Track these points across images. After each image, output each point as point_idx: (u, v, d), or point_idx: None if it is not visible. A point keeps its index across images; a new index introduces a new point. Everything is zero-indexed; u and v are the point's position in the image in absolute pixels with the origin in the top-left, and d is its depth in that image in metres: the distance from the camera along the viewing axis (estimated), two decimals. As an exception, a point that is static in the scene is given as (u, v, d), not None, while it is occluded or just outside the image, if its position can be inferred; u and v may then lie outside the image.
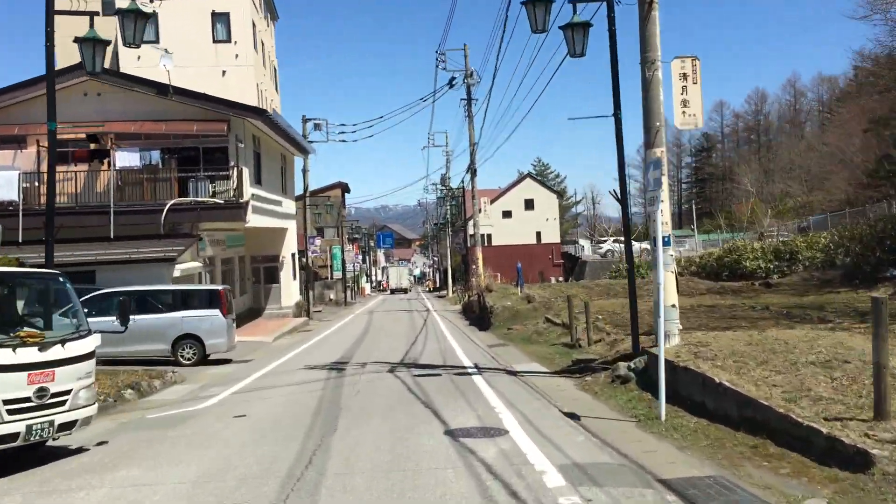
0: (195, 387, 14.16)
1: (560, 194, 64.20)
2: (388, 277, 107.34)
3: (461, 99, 39.40)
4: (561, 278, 62.09)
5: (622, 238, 53.90)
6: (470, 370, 14.21)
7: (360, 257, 72.51)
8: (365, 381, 13.28)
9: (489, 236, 62.42)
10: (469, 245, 61.45)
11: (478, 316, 29.55)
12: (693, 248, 54.95)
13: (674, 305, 11.73)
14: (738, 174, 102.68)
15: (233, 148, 24.42)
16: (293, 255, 35.23)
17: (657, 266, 10.40)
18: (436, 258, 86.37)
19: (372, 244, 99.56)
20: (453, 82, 37.96)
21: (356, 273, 72.18)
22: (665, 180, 11.98)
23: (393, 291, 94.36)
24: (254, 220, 25.96)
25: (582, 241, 73.61)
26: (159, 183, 24.28)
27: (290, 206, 34.44)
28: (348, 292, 64.17)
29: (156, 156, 24.17)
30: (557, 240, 62.64)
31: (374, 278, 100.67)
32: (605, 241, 63.40)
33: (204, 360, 18.11)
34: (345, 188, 56.42)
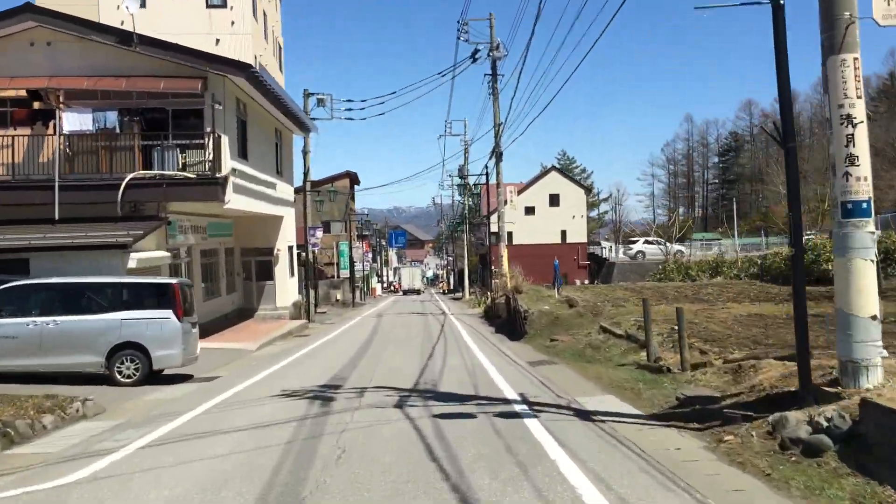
0: (108, 426, 9.50)
1: (588, 190, 59.38)
2: (400, 278, 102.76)
3: (485, 74, 34.80)
4: (586, 281, 57.22)
5: (655, 239, 48.57)
6: (517, 406, 9.49)
7: (371, 256, 67.95)
8: (358, 425, 8.58)
9: (510, 234, 57.67)
10: (491, 242, 56.70)
11: (506, 322, 24.83)
12: (726, 251, 49.87)
13: (874, 317, 7.01)
14: (770, 175, 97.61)
15: (209, 111, 19.80)
16: (290, 248, 30.62)
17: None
18: (451, 257, 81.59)
19: (384, 243, 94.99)
20: (476, 56, 33.31)
21: (366, 272, 67.59)
22: (861, 103, 7.21)
23: (405, 292, 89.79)
24: (237, 202, 21.34)
25: (604, 244, 68.75)
26: (118, 152, 19.70)
27: (286, 191, 29.85)
28: (357, 293, 59.56)
29: (113, 118, 19.59)
30: (584, 239, 57.82)
31: (385, 279, 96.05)
32: (636, 241, 58.49)
33: (151, 376, 13.49)
34: (353, 178, 51.83)
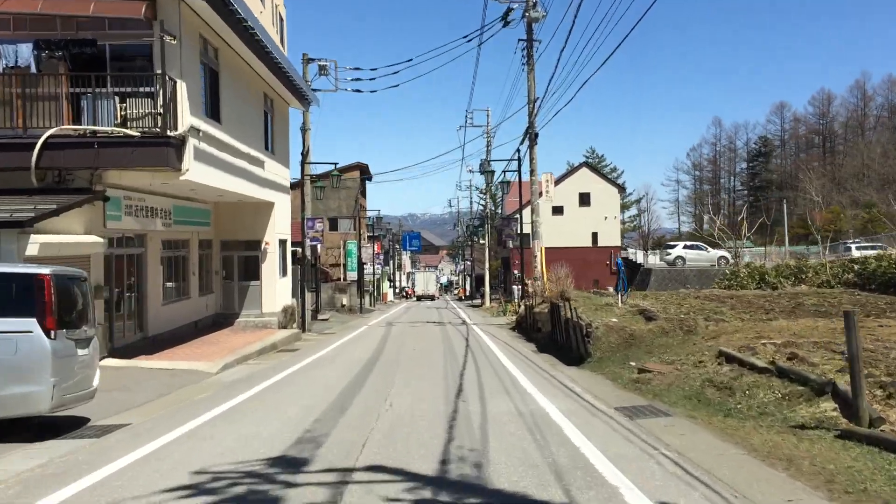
0: None
1: (622, 189, 53.83)
2: (413, 283, 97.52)
3: (519, 40, 29.36)
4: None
5: (696, 244, 42.85)
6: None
7: (382, 258, 62.70)
8: None
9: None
10: (516, 243, 51.20)
11: (550, 338, 19.42)
12: (762, 258, 44.01)
13: None
14: (804, 181, 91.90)
15: (158, 46, 14.51)
16: (283, 242, 25.30)
17: None
18: (468, 261, 76.17)
19: (397, 247, 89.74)
20: (509, 17, 27.94)
21: (377, 276, 62.32)
22: None
23: (419, 298, 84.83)
24: (202, 174, 16.03)
25: (631, 249, 63.13)
26: (38, 102, 14.44)
27: (279, 173, 24.56)
28: (366, 298, 54.29)
29: (27, 53, 14.33)
30: (617, 242, 52.26)
31: (398, 283, 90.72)
32: (674, 246, 52.83)
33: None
34: (364, 171, 46.58)
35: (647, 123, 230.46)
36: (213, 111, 17.38)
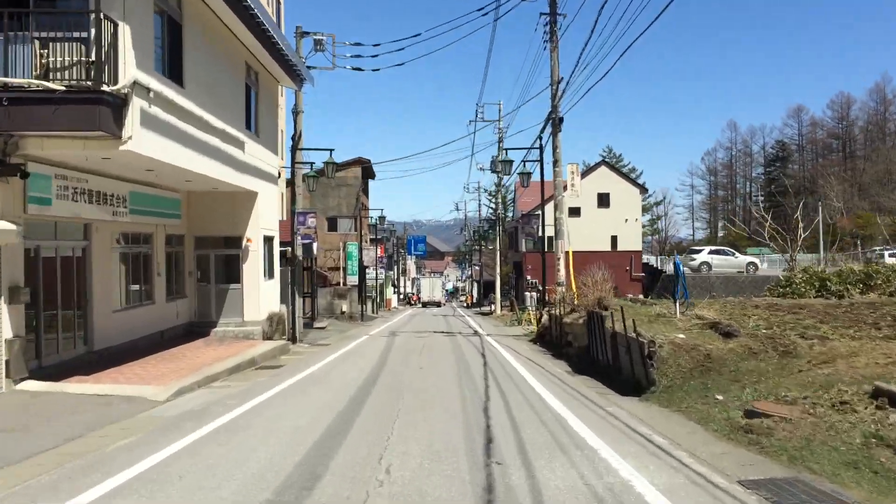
0: None
1: (643, 189, 50.30)
2: (419, 289, 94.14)
3: (541, 14, 26.00)
4: (640, 296, 48.03)
5: (722, 248, 39.36)
6: None
7: (385, 261, 59.33)
8: None
9: (550, 238, 48.92)
10: (527, 249, 47.74)
11: (586, 355, 15.96)
12: (780, 266, 40.51)
13: None
14: (825, 187, 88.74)
15: (93, -26, 11.14)
16: (269, 239, 21.88)
17: None
18: (477, 266, 72.80)
19: (402, 252, 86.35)
20: (530, -13, 24.55)
21: (380, 281, 58.94)
22: None
23: (425, 305, 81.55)
24: (155, 148, 12.62)
25: (647, 256, 59.65)
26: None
27: (263, 158, 21.15)
28: (368, 304, 50.92)
29: (-83, -21, 10.97)
30: (638, 246, 48.73)
31: (402, 289, 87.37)
32: (699, 251, 49.35)
33: None
34: (367, 168, 43.09)
35: (663, 126, 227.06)
36: (172, 70, 13.99)
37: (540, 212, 28.77)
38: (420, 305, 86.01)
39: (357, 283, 40.90)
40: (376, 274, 51.80)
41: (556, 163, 25.42)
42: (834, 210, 76.59)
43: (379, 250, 58.78)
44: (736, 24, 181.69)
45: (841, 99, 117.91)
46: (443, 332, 28.55)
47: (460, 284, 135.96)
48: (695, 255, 49.14)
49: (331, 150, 25.25)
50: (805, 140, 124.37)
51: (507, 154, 46.76)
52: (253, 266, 20.37)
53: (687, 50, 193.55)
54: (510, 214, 54.95)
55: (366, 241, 44.08)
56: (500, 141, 47.45)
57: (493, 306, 63.25)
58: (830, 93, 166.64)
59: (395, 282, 79.93)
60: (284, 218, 32.31)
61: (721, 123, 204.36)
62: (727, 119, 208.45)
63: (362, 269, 41.90)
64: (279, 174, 23.52)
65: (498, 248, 48.62)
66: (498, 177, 47.79)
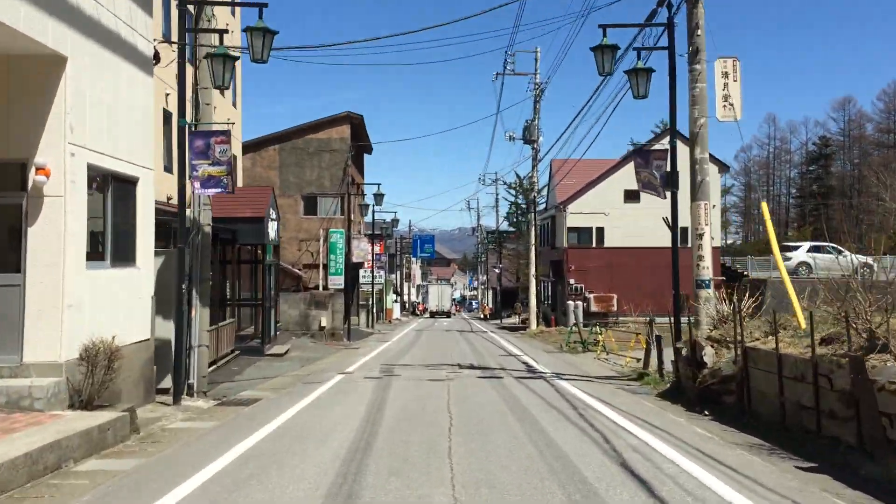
0: None
1: (723, 166, 38.50)
2: (424, 297, 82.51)
3: None
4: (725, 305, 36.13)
5: (823, 245, 27.11)
6: None
7: (386, 261, 47.65)
8: None
9: (599, 231, 37.34)
10: (566, 242, 36.11)
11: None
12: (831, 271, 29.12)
13: None
14: (877, 187, 77.34)
15: None
16: (110, 176, 10.02)
17: None
18: (497, 269, 60.97)
19: (407, 258, 74.71)
20: None
21: (378, 286, 47.30)
22: None
23: (433, 314, 70.27)
24: None
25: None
26: None
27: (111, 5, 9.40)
28: (362, 315, 39.19)
29: None
30: (716, 243, 37.26)
31: (407, 297, 75.74)
32: (796, 248, 37.66)
33: None
34: (358, 128, 30.68)
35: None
36: None
37: (667, 145, 16.69)
38: (428, 315, 74.48)
39: (343, 287, 29.22)
40: (373, 276, 40.09)
41: (693, 55, 13.63)
42: (890, 211, 65.24)
43: (378, 248, 47.10)
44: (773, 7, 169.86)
45: (893, 89, 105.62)
46: (474, 367, 16.88)
47: (468, 293, 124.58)
48: (789, 254, 37.36)
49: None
50: (851, 136, 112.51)
51: (536, 130, 35.03)
52: (52, 235, 8.60)
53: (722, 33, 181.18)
54: (541, 202, 43.10)
55: (357, 230, 32.38)
56: (537, 101, 35.87)
57: (518, 317, 51.48)
58: (881, 83, 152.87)
59: (398, 288, 68.25)
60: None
61: (757, 117, 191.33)
62: (765, 112, 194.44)
63: (351, 268, 30.19)
64: (156, 57, 11.72)
65: (533, 238, 36.81)
66: (533, 149, 36.18)
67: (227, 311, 20.48)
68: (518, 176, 66.37)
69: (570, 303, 36.01)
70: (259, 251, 21.06)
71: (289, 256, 30.15)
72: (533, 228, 36.73)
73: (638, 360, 17.37)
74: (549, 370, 16.37)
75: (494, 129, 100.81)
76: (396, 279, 68.01)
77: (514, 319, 55.87)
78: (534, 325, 35.93)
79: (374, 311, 48.32)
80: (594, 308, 36.33)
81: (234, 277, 22.15)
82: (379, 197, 29.40)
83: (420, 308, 77.85)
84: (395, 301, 61.45)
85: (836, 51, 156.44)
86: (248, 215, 20.11)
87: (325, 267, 29.45)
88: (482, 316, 64.64)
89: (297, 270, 29.76)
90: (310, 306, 28.74)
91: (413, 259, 79.38)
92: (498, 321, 55.62)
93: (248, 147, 29.93)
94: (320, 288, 29.46)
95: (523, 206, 38.05)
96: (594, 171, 38.16)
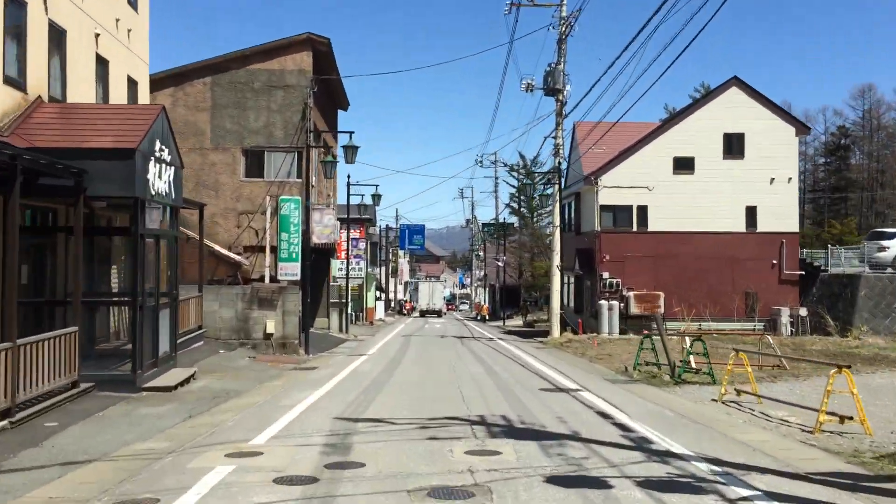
0: None
1: (803, 127, 29.74)
2: (413, 295, 73.94)
3: None
4: (803, 311, 27.75)
5: None
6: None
7: (366, 249, 38.82)
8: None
9: (641, 210, 28.66)
10: (599, 226, 27.67)
11: None
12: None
13: None
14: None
15: None
16: None
17: None
18: (499, 262, 52.21)
19: (394, 252, 66.02)
20: None
21: (358, 280, 38.63)
22: None
23: (423, 314, 62.60)
24: None
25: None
26: None
27: None
28: (333, 317, 30.61)
29: None
30: (793, 225, 28.09)
31: (394, 295, 67.06)
32: (893, 237, 29.25)
33: None
34: (323, 56, 21.30)
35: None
36: None
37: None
38: (417, 315, 66.03)
39: (300, 279, 20.45)
40: (347, 266, 31.33)
41: None
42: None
43: (357, 232, 38.40)
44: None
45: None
46: (517, 430, 8.20)
47: (458, 291, 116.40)
48: (885, 244, 28.99)
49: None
50: (873, 126, 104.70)
51: (563, 76, 26.82)
52: None
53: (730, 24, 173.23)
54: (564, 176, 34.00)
55: (327, 203, 23.37)
56: (562, 40, 27.31)
57: (523, 319, 42.59)
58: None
59: (383, 284, 59.57)
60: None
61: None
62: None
63: (313, 254, 21.42)
64: None
65: (558, 214, 27.92)
66: (557, 101, 27.56)
67: (63, 315, 11.80)
68: (522, 156, 57.97)
69: (604, 303, 27.57)
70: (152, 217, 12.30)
71: (223, 236, 21.43)
72: (557, 204, 28.01)
73: (842, 418, 8.79)
74: (687, 449, 7.75)
75: (504, 76, 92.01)
76: (380, 274, 59.34)
77: (519, 321, 47.33)
78: (556, 332, 27.34)
79: (352, 310, 39.59)
80: (634, 310, 27.83)
81: (97, 258, 13.49)
82: (350, 151, 20.58)
83: (408, 307, 69.25)
84: (379, 299, 52.75)
85: (852, 37, 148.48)
86: (105, 145, 11.44)
87: (275, 250, 20.67)
88: (478, 316, 56.01)
89: (233, 255, 21.02)
90: (250, 305, 20.02)
91: (400, 252, 70.70)
92: (499, 323, 47.02)
93: (166, 79, 21.18)
94: (267, 279, 20.72)
95: (530, 184, 29.21)
96: (629, 137, 29.69)
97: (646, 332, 29.02)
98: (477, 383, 13.81)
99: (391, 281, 66.85)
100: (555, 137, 27.87)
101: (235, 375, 14.92)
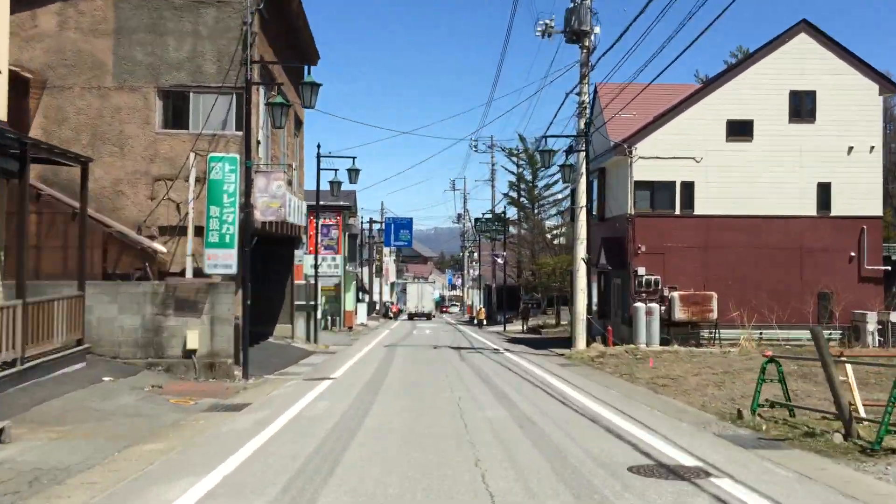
0: None
1: (889, 83, 24.21)
2: (401, 297, 68.07)
3: None
4: (894, 316, 21.71)
5: None
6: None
7: (336, 236, 32.49)
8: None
9: (686, 188, 22.71)
10: (632, 208, 21.46)
11: None
12: None
13: None
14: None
15: None
16: None
17: None
18: (499, 258, 45.95)
19: (379, 254, 60.03)
20: None
21: (334, 279, 32.53)
22: None
23: (412, 316, 58.57)
24: None
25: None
26: None
27: None
28: (301, 324, 24.60)
29: None
30: (877, 210, 22.39)
31: (379, 297, 60.94)
32: None
33: None
34: None
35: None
36: None
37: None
38: (406, 317, 60.29)
39: (235, 272, 14.30)
40: (316, 260, 25.20)
41: None
42: None
43: (331, 220, 32.28)
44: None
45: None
46: None
47: (447, 293, 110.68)
48: None
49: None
50: None
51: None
52: None
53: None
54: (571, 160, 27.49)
55: (272, 167, 17.17)
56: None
57: (524, 324, 36.15)
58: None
59: (365, 285, 53.51)
60: None
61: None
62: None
63: (253, 233, 15.22)
64: None
65: (584, 190, 21.58)
66: (582, 48, 21.53)
67: None
68: (522, 138, 51.99)
69: (640, 305, 21.61)
70: None
71: (131, 211, 15.28)
72: (584, 177, 21.92)
73: None
74: None
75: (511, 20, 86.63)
76: (363, 274, 53.24)
77: (519, 326, 41.26)
78: (582, 342, 21.34)
79: (328, 314, 33.47)
80: (680, 314, 21.89)
81: None
82: (309, 89, 14.48)
83: (394, 310, 63.19)
84: (362, 301, 46.64)
85: None
86: None
87: (203, 231, 14.52)
88: (474, 321, 49.87)
89: (144, 239, 14.85)
90: (164, 310, 13.91)
91: (386, 250, 64.60)
92: (499, 328, 41.02)
93: None
94: (190, 273, 14.59)
95: (547, 150, 23.07)
96: (662, 103, 23.86)
97: (693, 341, 23.28)
98: (506, 450, 7.79)
99: (376, 281, 60.78)
100: (579, 93, 21.88)
101: (94, 428, 8.84)
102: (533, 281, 47.90)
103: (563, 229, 45.04)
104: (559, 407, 11.08)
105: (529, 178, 51.12)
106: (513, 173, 51.69)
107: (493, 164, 52.28)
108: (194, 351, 14.09)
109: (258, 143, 15.66)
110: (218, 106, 15.37)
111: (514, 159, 51.36)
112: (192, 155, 14.80)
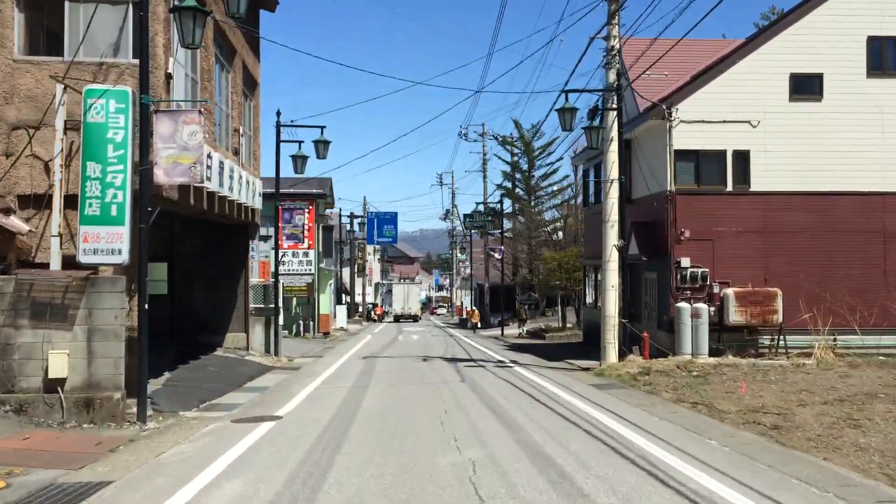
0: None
1: None
2: (386, 298, 63.26)
3: None
4: None
5: None
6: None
7: (304, 225, 27.47)
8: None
9: (740, 157, 18.22)
10: (672, 185, 16.31)
11: None
12: None
13: None
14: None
15: None
16: None
17: None
18: (497, 254, 41.02)
19: (361, 251, 55.19)
20: None
21: (306, 277, 27.67)
22: None
23: (398, 318, 54.93)
24: None
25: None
26: None
27: None
28: (258, 331, 19.68)
29: None
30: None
31: (361, 298, 55.97)
32: None
33: None
34: None
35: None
36: None
37: None
38: (391, 319, 55.68)
39: (129, 262, 9.53)
40: (276, 254, 20.24)
41: None
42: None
43: (307, 216, 27.45)
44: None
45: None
46: None
47: (433, 294, 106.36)
48: None
49: None
50: None
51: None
52: None
53: None
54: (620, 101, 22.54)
55: (212, 130, 12.26)
56: None
57: (523, 326, 31.09)
58: None
59: (345, 285, 48.64)
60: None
61: None
62: None
63: (147, 200, 10.28)
64: None
65: (616, 159, 16.56)
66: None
67: None
68: (517, 124, 47.24)
69: (685, 306, 16.89)
70: None
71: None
72: (615, 142, 17.05)
73: None
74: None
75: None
76: (342, 274, 48.36)
77: (516, 330, 36.41)
78: (614, 355, 16.58)
79: (300, 318, 28.58)
80: (735, 317, 17.21)
81: None
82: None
83: (378, 312, 58.29)
84: (340, 303, 41.75)
85: None
86: None
87: (78, 200, 9.66)
88: (468, 324, 44.96)
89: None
90: (14, 318, 9.07)
91: (369, 248, 59.68)
92: (495, 332, 36.25)
93: None
94: (56, 264, 9.75)
95: (574, 105, 17.92)
96: (700, 61, 19.26)
97: (751, 350, 18.63)
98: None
99: (358, 281, 55.85)
100: (606, 37, 17.11)
101: None
102: (529, 279, 43.16)
103: (566, 221, 40.37)
104: (643, 479, 6.29)
105: (525, 167, 46.38)
106: (507, 163, 46.91)
107: (484, 155, 47.45)
108: (62, 380, 9.23)
109: (169, 76, 10.77)
110: (107, 21, 10.46)
111: (509, 147, 46.59)
112: (60, 88, 9.86)
